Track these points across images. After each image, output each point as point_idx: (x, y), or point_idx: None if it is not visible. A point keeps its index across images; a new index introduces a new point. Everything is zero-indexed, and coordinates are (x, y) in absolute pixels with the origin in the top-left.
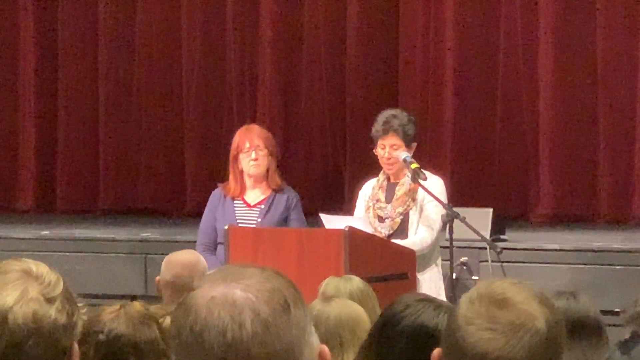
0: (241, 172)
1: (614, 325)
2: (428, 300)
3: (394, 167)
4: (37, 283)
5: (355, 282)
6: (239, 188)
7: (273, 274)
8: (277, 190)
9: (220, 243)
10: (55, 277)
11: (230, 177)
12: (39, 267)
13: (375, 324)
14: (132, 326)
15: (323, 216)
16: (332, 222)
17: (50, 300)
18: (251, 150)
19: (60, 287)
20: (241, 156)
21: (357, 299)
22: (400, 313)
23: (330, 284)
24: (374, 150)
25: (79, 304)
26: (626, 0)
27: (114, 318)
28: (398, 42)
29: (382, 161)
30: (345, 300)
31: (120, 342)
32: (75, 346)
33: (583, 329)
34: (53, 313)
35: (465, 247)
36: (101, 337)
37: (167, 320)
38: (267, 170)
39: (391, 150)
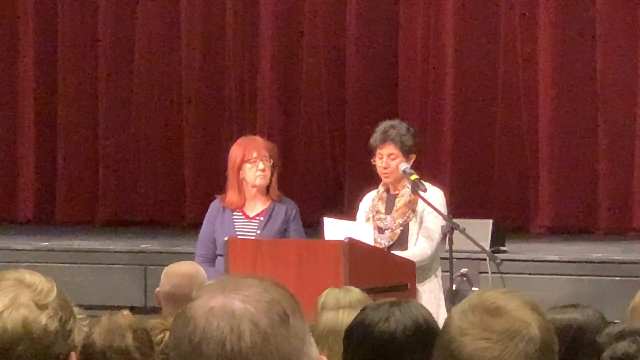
0: (242, 182)
1: None
2: (384, 304)
3: (390, 177)
4: (29, 290)
5: (355, 294)
6: (242, 199)
7: (272, 285)
8: (276, 202)
9: (220, 255)
10: (49, 285)
11: (232, 188)
12: (33, 276)
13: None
14: (102, 335)
15: (327, 220)
16: (335, 227)
17: (41, 307)
18: (258, 161)
19: (53, 295)
20: (247, 166)
21: (356, 310)
22: (356, 321)
23: (329, 295)
24: (372, 160)
25: (80, 315)
26: (625, 13)
27: (90, 327)
28: (397, 53)
29: (379, 171)
30: (326, 313)
31: (90, 350)
32: (73, 356)
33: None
34: (44, 319)
35: (465, 259)
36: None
37: (167, 335)
38: (269, 181)
39: (388, 159)
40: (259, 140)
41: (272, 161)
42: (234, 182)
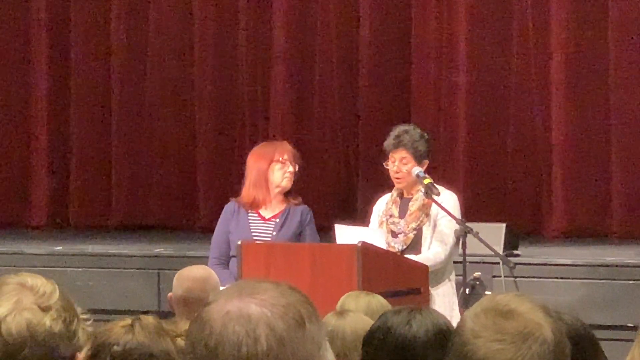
0: (267, 181)
1: (626, 340)
2: (404, 309)
3: (402, 182)
4: (31, 293)
5: (377, 299)
6: (268, 198)
7: (288, 289)
8: (291, 205)
9: (234, 256)
10: (51, 287)
11: (255, 187)
12: (35, 279)
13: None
14: (148, 337)
15: (337, 227)
16: (346, 233)
17: (44, 309)
18: (287, 162)
19: (55, 297)
20: (276, 166)
21: (377, 314)
22: (377, 326)
23: (351, 297)
24: (384, 164)
25: (84, 316)
26: (639, 15)
27: (129, 330)
28: (411, 58)
29: (391, 175)
30: (359, 314)
31: (137, 353)
32: (79, 357)
33: (577, 347)
34: (48, 321)
35: (478, 262)
36: (116, 348)
37: (179, 341)
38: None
39: (400, 164)
40: (287, 144)
41: (296, 167)
42: (260, 180)
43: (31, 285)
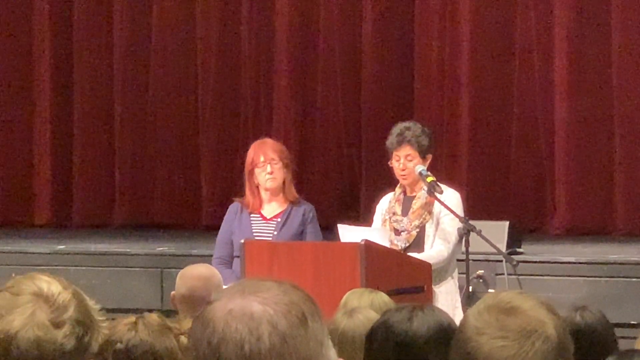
0: (257, 186)
1: (630, 337)
2: (406, 307)
3: (409, 178)
4: (46, 306)
5: (380, 296)
6: (258, 202)
7: (291, 288)
8: (293, 203)
9: (237, 256)
10: (68, 296)
11: (247, 191)
12: (51, 287)
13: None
14: (151, 335)
15: (341, 227)
16: (349, 233)
17: (58, 325)
18: (266, 164)
19: (71, 308)
20: (256, 170)
21: (380, 312)
22: (379, 323)
23: (355, 294)
24: (389, 163)
25: (101, 318)
26: None
27: (132, 328)
28: (413, 55)
29: (397, 173)
30: (370, 312)
31: (140, 350)
32: None
33: (602, 344)
34: (59, 338)
35: (481, 260)
36: (119, 345)
37: (182, 339)
38: (283, 183)
39: (405, 161)
40: (268, 143)
41: (281, 163)
42: (249, 186)
43: (47, 296)
